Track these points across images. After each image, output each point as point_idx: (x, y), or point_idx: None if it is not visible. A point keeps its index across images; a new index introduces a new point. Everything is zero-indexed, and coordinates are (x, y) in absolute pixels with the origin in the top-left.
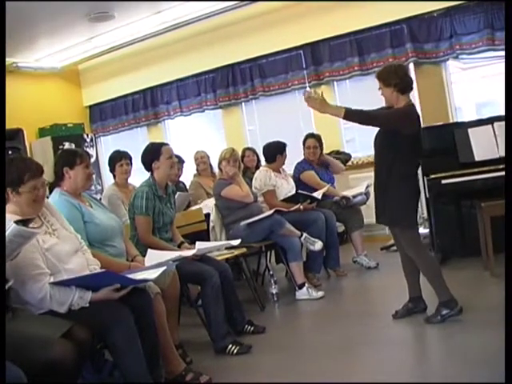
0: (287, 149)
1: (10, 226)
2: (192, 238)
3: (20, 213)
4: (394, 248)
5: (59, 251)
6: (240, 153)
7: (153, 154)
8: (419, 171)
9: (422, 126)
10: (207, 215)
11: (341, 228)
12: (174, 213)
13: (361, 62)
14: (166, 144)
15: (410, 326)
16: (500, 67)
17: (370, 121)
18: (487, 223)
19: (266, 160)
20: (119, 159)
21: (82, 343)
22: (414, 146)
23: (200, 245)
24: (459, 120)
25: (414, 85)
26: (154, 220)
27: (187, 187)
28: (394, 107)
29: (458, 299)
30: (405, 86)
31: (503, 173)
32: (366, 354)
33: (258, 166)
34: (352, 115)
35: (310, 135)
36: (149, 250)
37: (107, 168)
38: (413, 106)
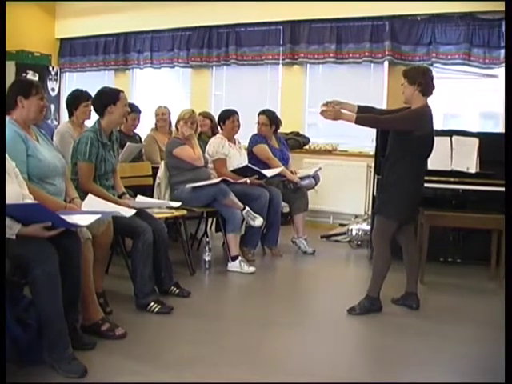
0: (247, 120)
1: None
2: (136, 191)
3: None
4: (335, 238)
5: None
6: None
7: (110, 97)
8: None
9: None
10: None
11: (286, 209)
12: (116, 160)
13: (337, 50)
14: (122, 91)
15: (330, 315)
16: (471, 83)
17: (379, 124)
18: (426, 232)
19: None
20: (85, 100)
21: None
22: (422, 147)
23: (140, 198)
24: None
25: (386, 83)
26: (96, 167)
27: (142, 140)
28: (409, 106)
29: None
30: (427, 89)
31: (452, 185)
32: (282, 334)
33: (215, 133)
34: (362, 120)
35: (262, 112)
36: (89, 195)
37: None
38: (428, 107)
